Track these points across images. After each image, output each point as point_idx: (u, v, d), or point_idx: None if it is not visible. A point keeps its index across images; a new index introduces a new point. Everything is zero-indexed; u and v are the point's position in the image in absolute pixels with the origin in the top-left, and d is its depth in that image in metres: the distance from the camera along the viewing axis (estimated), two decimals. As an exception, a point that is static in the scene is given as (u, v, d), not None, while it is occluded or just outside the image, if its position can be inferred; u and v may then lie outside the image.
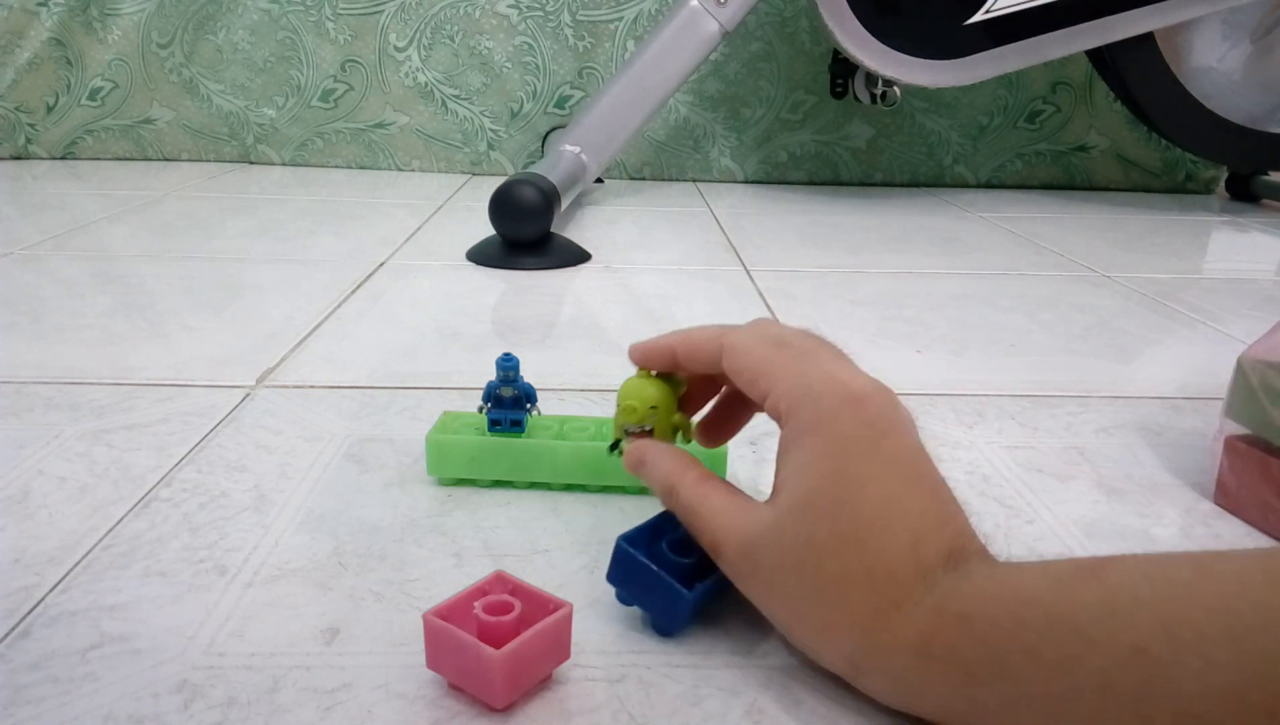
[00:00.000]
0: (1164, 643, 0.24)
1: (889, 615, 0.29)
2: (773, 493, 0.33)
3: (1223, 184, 1.45)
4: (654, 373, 0.39)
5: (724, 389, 0.41)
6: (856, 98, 1.28)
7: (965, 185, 1.45)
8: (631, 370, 0.40)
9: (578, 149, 1.10)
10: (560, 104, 1.39)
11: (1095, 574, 0.27)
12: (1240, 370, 0.46)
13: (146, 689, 0.31)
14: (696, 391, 0.40)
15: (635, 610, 0.36)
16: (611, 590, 0.36)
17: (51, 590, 0.37)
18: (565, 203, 0.99)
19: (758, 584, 0.32)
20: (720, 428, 0.41)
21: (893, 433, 0.32)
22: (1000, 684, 0.27)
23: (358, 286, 0.81)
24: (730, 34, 1.13)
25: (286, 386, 0.58)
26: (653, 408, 0.38)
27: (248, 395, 0.57)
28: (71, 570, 0.38)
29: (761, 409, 0.35)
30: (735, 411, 0.41)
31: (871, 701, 0.32)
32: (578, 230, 1.04)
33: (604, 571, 0.39)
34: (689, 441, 0.40)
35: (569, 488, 0.46)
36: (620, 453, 0.39)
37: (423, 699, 0.31)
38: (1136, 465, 0.51)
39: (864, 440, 0.31)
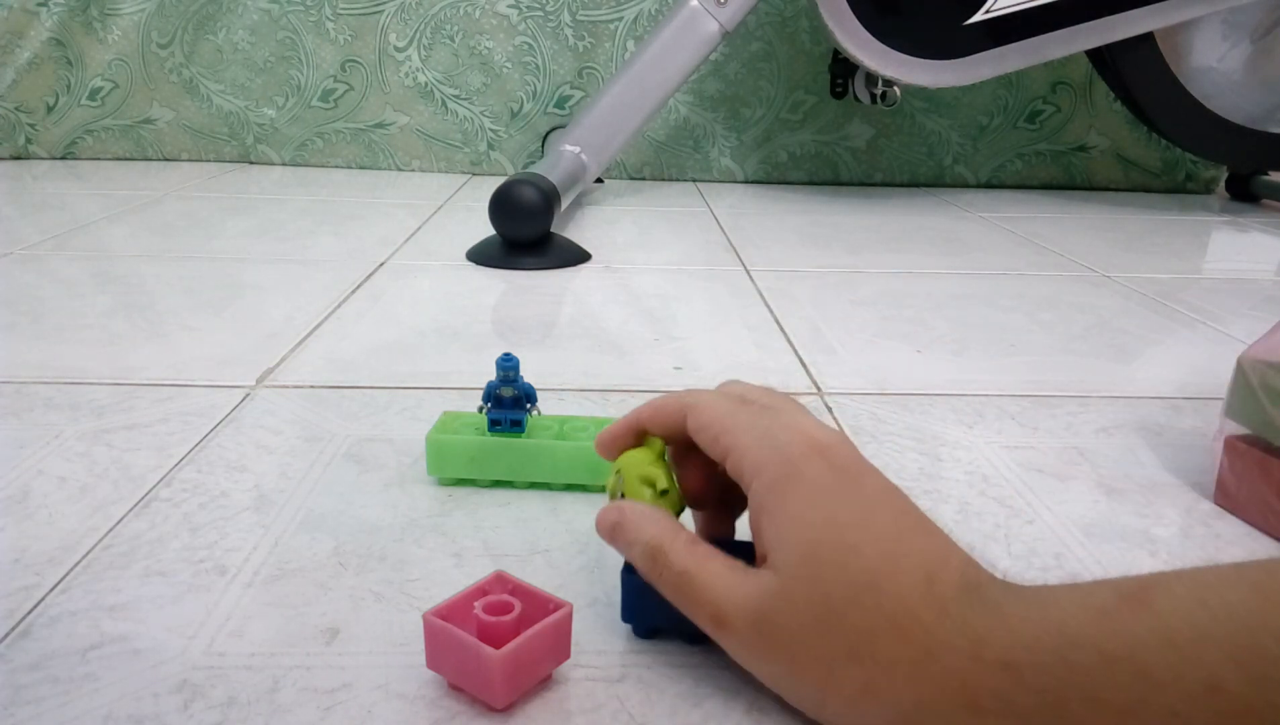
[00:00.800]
0: (1240, 678, 0.23)
1: (926, 667, 0.27)
2: (760, 556, 0.30)
3: (1223, 184, 1.45)
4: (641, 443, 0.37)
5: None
6: (856, 98, 1.28)
7: (965, 185, 1.45)
8: None
9: (578, 149, 1.10)
10: (560, 104, 1.39)
11: (1143, 603, 0.25)
12: (1240, 370, 0.46)
13: (146, 689, 0.31)
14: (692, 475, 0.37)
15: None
16: (610, 590, 0.36)
17: (51, 590, 0.37)
18: (565, 203, 0.99)
19: (777, 656, 0.30)
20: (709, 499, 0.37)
21: (867, 474, 0.31)
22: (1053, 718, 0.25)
23: (358, 286, 0.81)
24: (730, 34, 1.13)
25: (286, 386, 0.58)
26: (617, 472, 0.36)
27: (248, 395, 0.57)
28: (71, 570, 0.38)
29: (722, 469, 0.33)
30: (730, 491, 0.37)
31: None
32: (578, 230, 1.04)
33: (604, 571, 0.39)
34: (678, 510, 0.36)
35: (569, 488, 0.46)
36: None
37: (423, 699, 0.31)
38: (1136, 465, 0.51)
39: (845, 485, 0.30)
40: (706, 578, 0.31)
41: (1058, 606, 0.26)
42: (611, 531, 0.34)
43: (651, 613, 0.34)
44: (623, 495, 0.35)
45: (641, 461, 0.35)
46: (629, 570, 0.34)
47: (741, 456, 0.32)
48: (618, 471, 0.36)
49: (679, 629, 0.34)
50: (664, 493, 0.35)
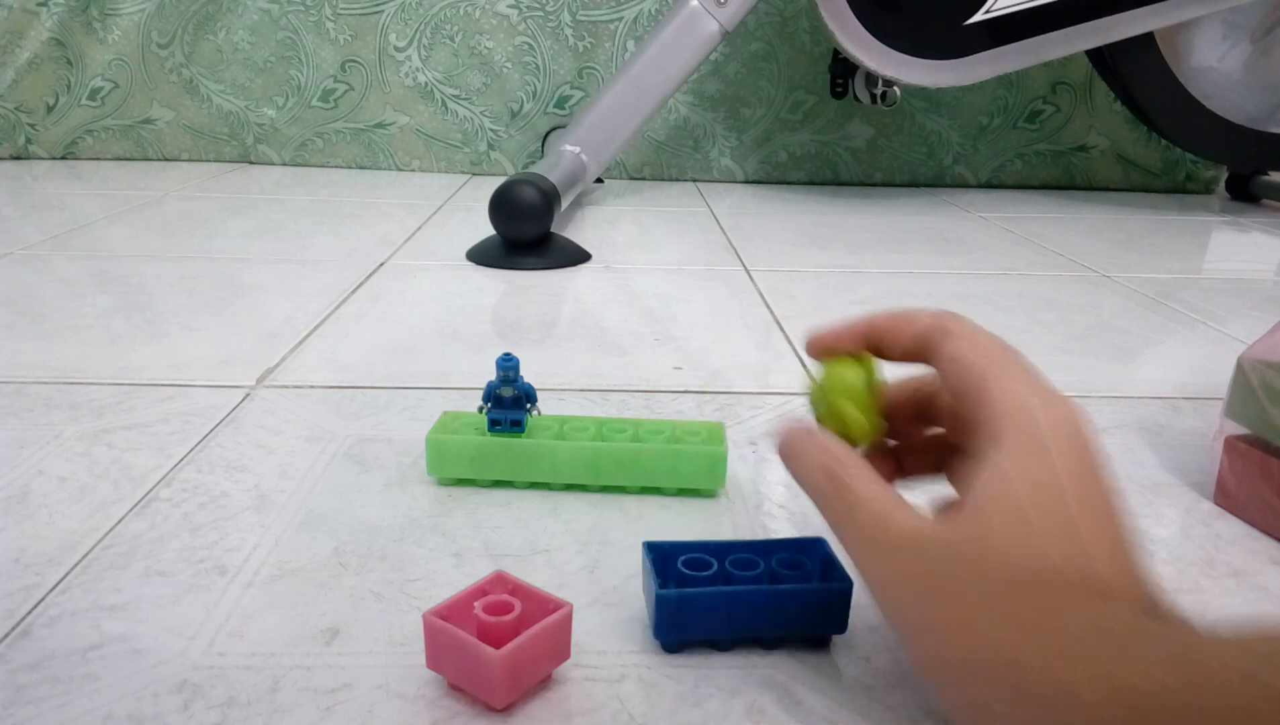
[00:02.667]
0: None
1: (1094, 685, 0.24)
2: (966, 496, 0.28)
3: (1223, 184, 1.45)
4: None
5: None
6: (856, 98, 1.28)
7: (965, 185, 1.45)
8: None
9: (578, 149, 1.10)
10: (560, 104, 1.39)
11: None
12: (1240, 370, 0.46)
13: (146, 689, 0.31)
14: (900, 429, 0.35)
15: (635, 612, 0.36)
16: (610, 590, 0.36)
17: (51, 590, 0.37)
18: (565, 203, 0.99)
19: (928, 598, 0.28)
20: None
21: (1106, 466, 0.29)
22: None
23: (358, 286, 0.81)
24: (730, 34, 1.13)
25: (286, 386, 0.58)
26: (820, 385, 0.33)
27: (248, 395, 0.57)
28: (71, 570, 0.38)
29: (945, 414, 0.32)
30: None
31: (872, 704, 0.32)
32: (578, 230, 1.04)
33: (604, 571, 0.39)
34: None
35: (569, 488, 0.46)
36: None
37: (423, 699, 0.31)
38: (1136, 465, 0.51)
39: (1096, 466, 0.28)
40: (882, 505, 0.29)
41: (1229, 651, 0.23)
42: (789, 450, 0.32)
43: (684, 627, 0.34)
44: (818, 418, 0.33)
45: (852, 383, 0.33)
46: (661, 586, 0.33)
47: (1006, 402, 0.29)
48: (821, 386, 0.33)
49: (709, 641, 0.34)
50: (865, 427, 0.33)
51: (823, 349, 0.34)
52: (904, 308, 0.33)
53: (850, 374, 0.33)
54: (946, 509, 0.29)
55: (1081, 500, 0.27)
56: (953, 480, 0.33)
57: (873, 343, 0.33)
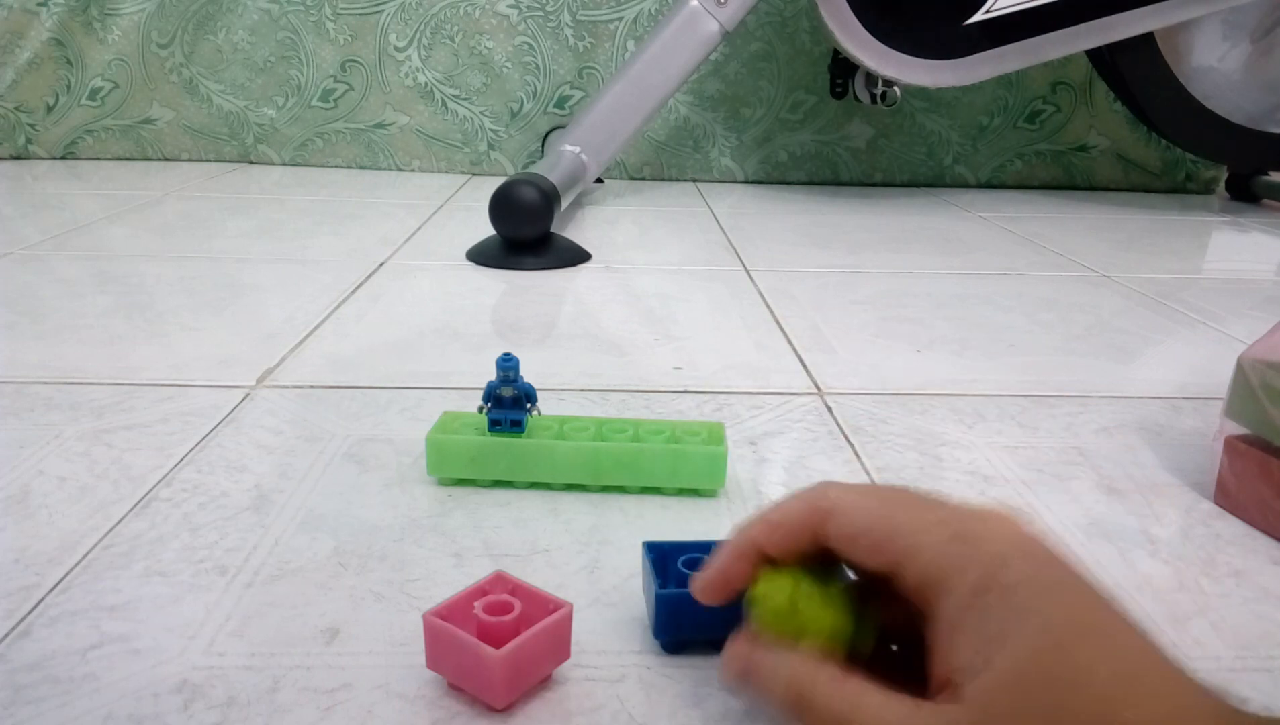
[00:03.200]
0: None
1: None
2: (947, 682, 0.24)
3: (1223, 184, 1.45)
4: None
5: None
6: (856, 98, 1.28)
7: (965, 185, 1.45)
8: None
9: (578, 149, 1.10)
10: (560, 104, 1.39)
11: None
12: (1240, 370, 0.46)
13: (146, 689, 0.31)
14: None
15: (635, 612, 0.36)
16: (610, 590, 0.36)
17: (51, 590, 0.37)
18: (565, 203, 0.99)
19: None
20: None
21: (1090, 581, 0.25)
22: None
23: (358, 286, 0.81)
24: (730, 34, 1.13)
25: (286, 386, 0.58)
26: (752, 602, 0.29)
27: (248, 395, 0.57)
28: (71, 570, 0.38)
29: (882, 583, 0.27)
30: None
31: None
32: (578, 230, 1.04)
33: (604, 571, 0.39)
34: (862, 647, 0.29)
35: (569, 488, 0.46)
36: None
37: (423, 699, 0.31)
38: (1136, 465, 0.51)
39: (1068, 583, 0.24)
40: (863, 712, 0.25)
41: None
42: (740, 678, 0.28)
43: (684, 627, 0.34)
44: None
45: (780, 590, 0.28)
46: (661, 586, 0.33)
47: (927, 562, 0.25)
48: (753, 603, 0.29)
49: (709, 642, 0.34)
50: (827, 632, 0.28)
51: (717, 592, 0.30)
52: (771, 507, 0.29)
53: (778, 585, 0.29)
54: (941, 680, 0.25)
55: (1089, 613, 0.24)
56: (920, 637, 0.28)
57: (763, 560, 0.29)
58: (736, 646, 0.29)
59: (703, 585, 0.30)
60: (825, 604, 0.28)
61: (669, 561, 0.35)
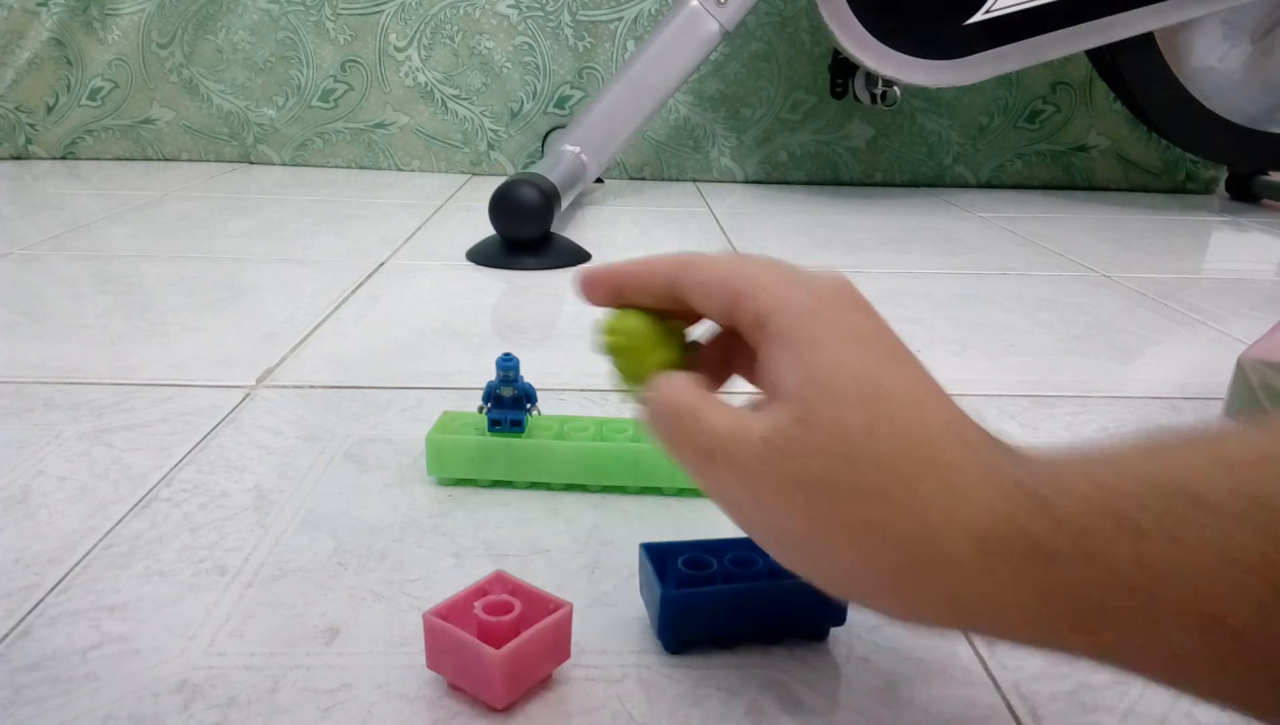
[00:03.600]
0: None
1: (944, 501, 0.24)
2: (773, 391, 0.27)
3: (1223, 184, 1.45)
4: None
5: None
6: (856, 98, 1.28)
7: (965, 185, 1.45)
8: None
9: (578, 149, 1.10)
10: (560, 104, 1.39)
11: (1200, 438, 0.22)
12: (1240, 370, 0.46)
13: (146, 689, 0.31)
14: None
15: (635, 612, 0.36)
16: (610, 590, 0.36)
17: (51, 590, 0.37)
18: (565, 203, 0.99)
19: (774, 488, 0.26)
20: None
21: (891, 330, 0.29)
22: (1086, 570, 0.22)
23: (358, 286, 0.81)
24: (730, 34, 1.13)
25: (286, 386, 0.58)
26: (612, 341, 0.32)
27: (248, 395, 0.57)
28: (71, 570, 0.38)
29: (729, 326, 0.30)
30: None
31: (872, 703, 0.31)
32: (578, 230, 1.04)
33: (604, 571, 0.39)
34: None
35: (569, 488, 0.46)
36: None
37: (423, 699, 0.31)
38: (1136, 465, 0.51)
39: (876, 324, 0.28)
40: (705, 409, 0.28)
41: (1100, 448, 0.24)
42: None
43: (689, 628, 0.34)
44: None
45: (645, 329, 0.32)
46: (665, 588, 0.33)
47: (759, 294, 0.28)
48: (613, 344, 0.32)
49: (713, 640, 0.34)
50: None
51: (597, 285, 0.33)
52: (646, 258, 0.32)
53: (640, 321, 0.32)
54: (772, 391, 0.28)
55: (884, 346, 0.27)
56: (753, 380, 0.32)
57: (622, 295, 0.32)
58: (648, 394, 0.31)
59: (585, 278, 0.33)
60: (665, 335, 0.32)
61: (668, 562, 0.35)
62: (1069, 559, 0.22)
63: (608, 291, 0.33)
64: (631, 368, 0.32)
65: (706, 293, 0.30)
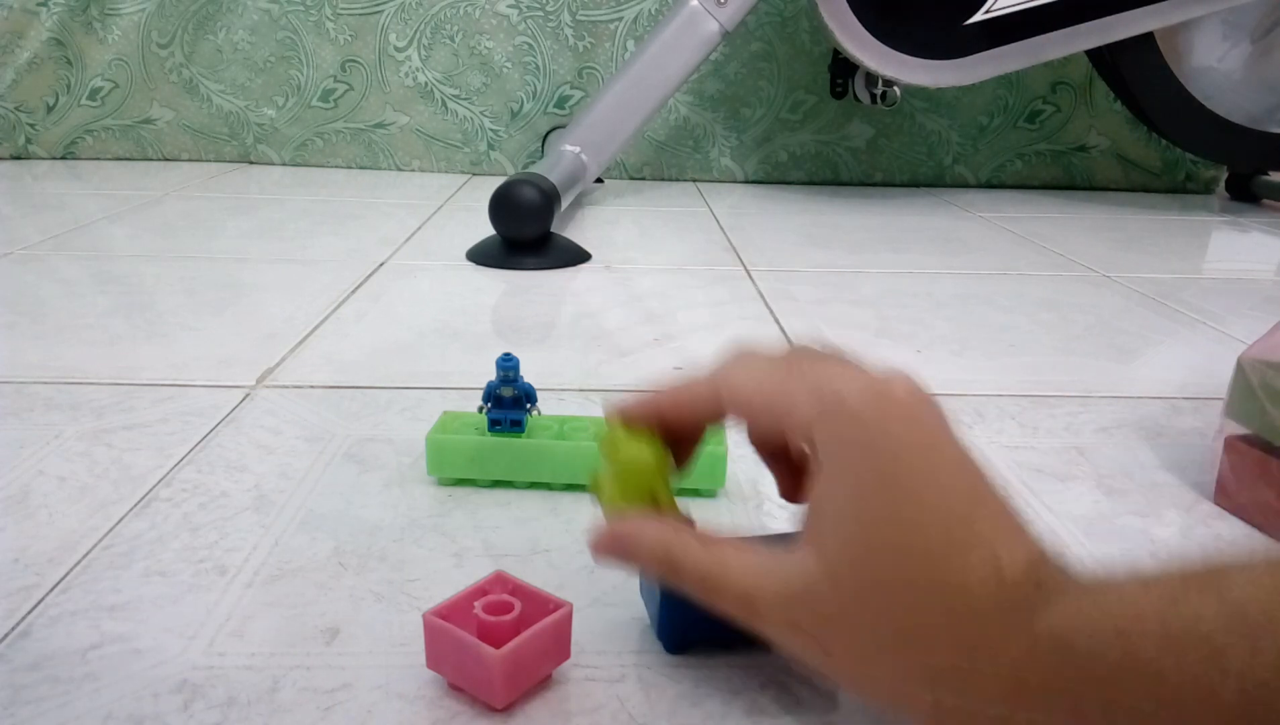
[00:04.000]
0: None
1: (977, 654, 0.25)
2: (809, 527, 0.28)
3: (1223, 184, 1.45)
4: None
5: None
6: (856, 98, 1.28)
7: (965, 185, 1.45)
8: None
9: (578, 149, 1.10)
10: (560, 104, 1.39)
11: (1212, 586, 0.23)
12: (1240, 370, 0.46)
13: (146, 689, 0.31)
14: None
15: (635, 612, 0.36)
16: (610, 590, 0.36)
17: (51, 590, 0.37)
18: (565, 203, 0.99)
19: (813, 641, 0.27)
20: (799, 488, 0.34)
21: (943, 436, 0.27)
22: (1114, 714, 0.23)
23: (358, 286, 0.81)
24: (730, 34, 1.13)
25: (286, 386, 0.58)
26: (605, 477, 0.33)
27: (248, 395, 0.57)
28: (71, 570, 0.38)
29: (784, 449, 0.31)
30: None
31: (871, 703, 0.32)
32: (578, 230, 1.04)
33: (604, 572, 0.39)
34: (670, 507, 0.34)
35: (569, 488, 0.46)
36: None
37: (423, 699, 0.31)
38: (1136, 465, 0.51)
39: (919, 448, 0.27)
40: (730, 571, 0.29)
41: (1119, 590, 0.24)
42: (611, 550, 0.31)
43: (690, 628, 0.34)
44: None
45: (642, 468, 0.32)
46: (665, 588, 0.33)
47: (805, 419, 0.28)
48: (606, 477, 0.33)
49: (712, 640, 0.34)
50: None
51: (623, 416, 0.34)
52: (681, 382, 0.33)
53: (649, 452, 0.33)
54: (808, 527, 0.28)
55: (912, 481, 0.26)
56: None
57: (665, 424, 0.33)
58: (604, 528, 0.32)
59: (616, 409, 0.34)
60: (663, 466, 0.33)
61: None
62: (1096, 700, 0.23)
63: (648, 422, 0.33)
64: (625, 494, 0.33)
65: (754, 414, 0.31)
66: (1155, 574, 0.25)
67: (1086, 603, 0.24)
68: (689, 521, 0.33)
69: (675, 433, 0.33)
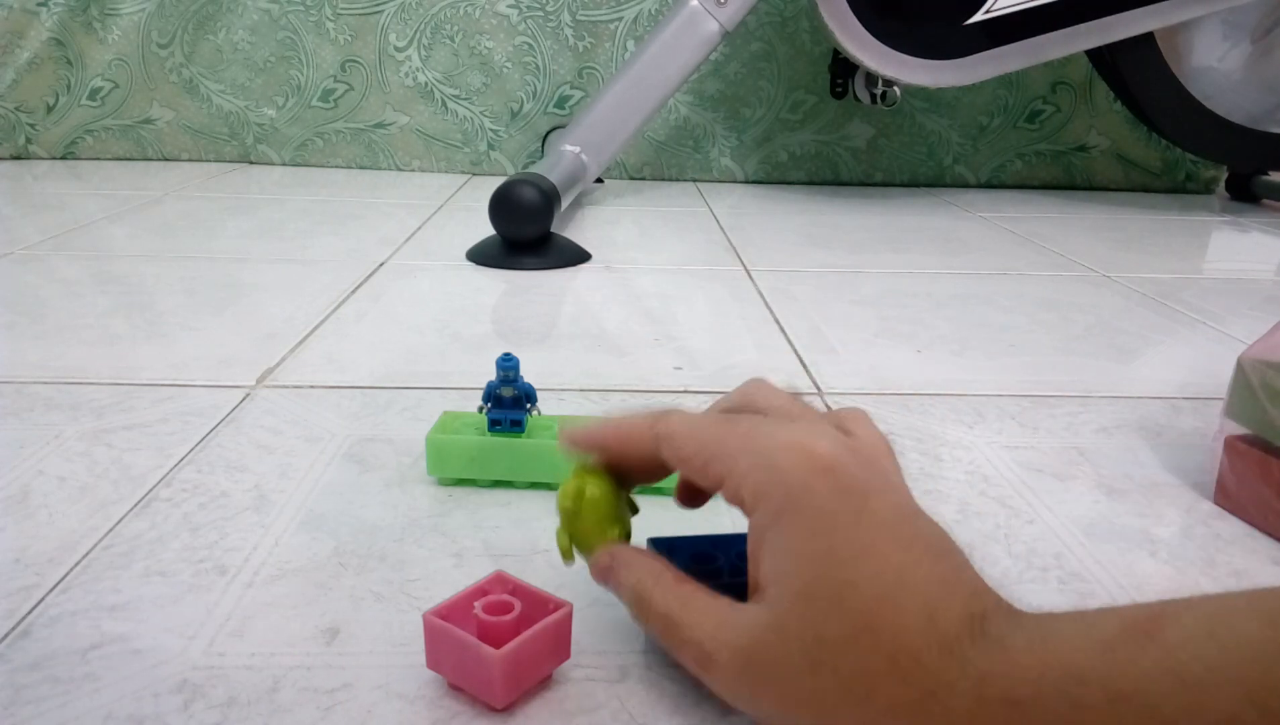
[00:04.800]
0: (1256, 718, 0.21)
1: (927, 708, 0.26)
2: (757, 588, 0.29)
3: (1223, 184, 1.45)
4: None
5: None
6: (856, 98, 1.28)
7: (965, 185, 1.45)
8: None
9: (578, 149, 1.10)
10: (560, 104, 1.39)
11: (1150, 636, 0.24)
12: (1240, 370, 0.46)
13: (146, 689, 0.31)
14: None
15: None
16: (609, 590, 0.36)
17: (51, 590, 0.37)
18: (565, 203, 0.99)
19: (766, 695, 0.28)
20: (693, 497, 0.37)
21: (874, 495, 0.28)
22: None
23: (358, 286, 0.81)
24: (730, 34, 1.13)
25: (286, 386, 0.58)
26: (570, 506, 0.34)
27: (248, 395, 0.57)
28: (71, 570, 0.38)
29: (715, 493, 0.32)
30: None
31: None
32: (578, 230, 1.04)
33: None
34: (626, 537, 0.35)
35: (569, 488, 0.46)
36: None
37: (423, 699, 0.31)
38: (1136, 465, 0.51)
39: (848, 512, 0.28)
40: (691, 617, 0.30)
41: (1062, 638, 0.25)
42: (604, 576, 0.33)
43: None
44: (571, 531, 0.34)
45: (604, 498, 0.34)
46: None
47: (739, 484, 0.29)
48: (572, 508, 0.34)
49: None
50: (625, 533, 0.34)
51: (571, 442, 0.35)
52: (625, 419, 0.34)
53: (602, 490, 0.34)
54: (756, 588, 0.29)
55: (844, 546, 0.27)
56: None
57: (611, 454, 0.34)
58: (603, 551, 0.33)
59: (567, 434, 0.35)
60: (619, 506, 0.34)
61: (675, 557, 0.35)
62: None
63: (592, 452, 0.34)
64: (582, 536, 0.34)
65: (689, 469, 0.31)
66: (1095, 619, 0.25)
67: (1032, 657, 0.25)
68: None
69: (620, 468, 0.35)
